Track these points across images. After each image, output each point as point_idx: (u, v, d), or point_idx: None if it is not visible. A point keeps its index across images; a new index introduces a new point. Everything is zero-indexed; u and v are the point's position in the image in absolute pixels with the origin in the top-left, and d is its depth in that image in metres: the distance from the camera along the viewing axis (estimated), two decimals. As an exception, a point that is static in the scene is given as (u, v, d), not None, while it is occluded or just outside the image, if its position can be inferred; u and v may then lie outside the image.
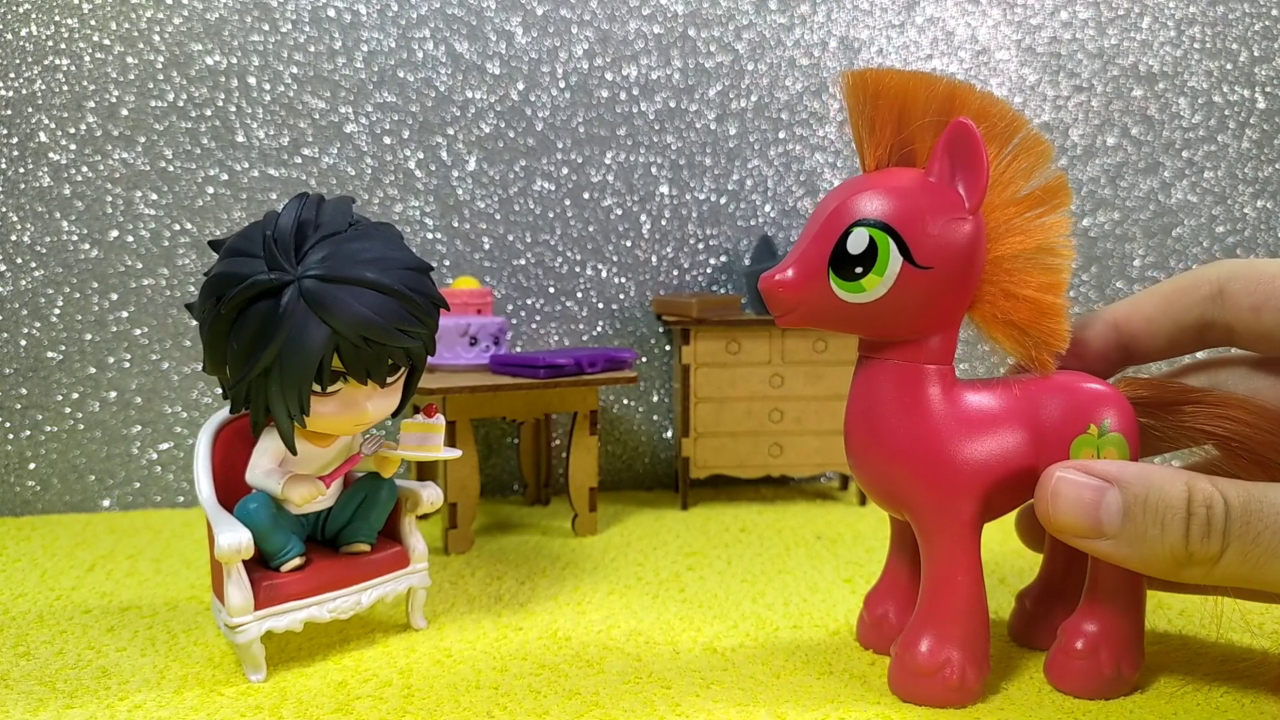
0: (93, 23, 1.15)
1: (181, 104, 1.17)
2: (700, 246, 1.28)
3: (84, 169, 1.16)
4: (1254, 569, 0.53)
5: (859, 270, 0.57)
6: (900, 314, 0.58)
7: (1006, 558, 0.93)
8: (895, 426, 0.60)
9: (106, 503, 1.19)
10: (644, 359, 1.29)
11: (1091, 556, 0.61)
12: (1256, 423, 0.58)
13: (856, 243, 0.57)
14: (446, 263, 1.24)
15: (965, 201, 0.57)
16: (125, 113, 1.17)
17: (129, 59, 1.16)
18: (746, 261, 1.28)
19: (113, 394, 1.18)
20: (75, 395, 1.17)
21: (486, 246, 1.25)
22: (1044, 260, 0.59)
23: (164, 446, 1.20)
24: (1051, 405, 0.60)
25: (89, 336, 1.17)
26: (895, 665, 0.62)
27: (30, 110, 1.15)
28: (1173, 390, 0.62)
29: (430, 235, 1.24)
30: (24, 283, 1.16)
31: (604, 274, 1.27)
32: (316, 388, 0.64)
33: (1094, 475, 0.56)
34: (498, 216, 1.25)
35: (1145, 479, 0.55)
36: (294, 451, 0.67)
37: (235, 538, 0.64)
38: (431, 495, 0.76)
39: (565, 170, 1.25)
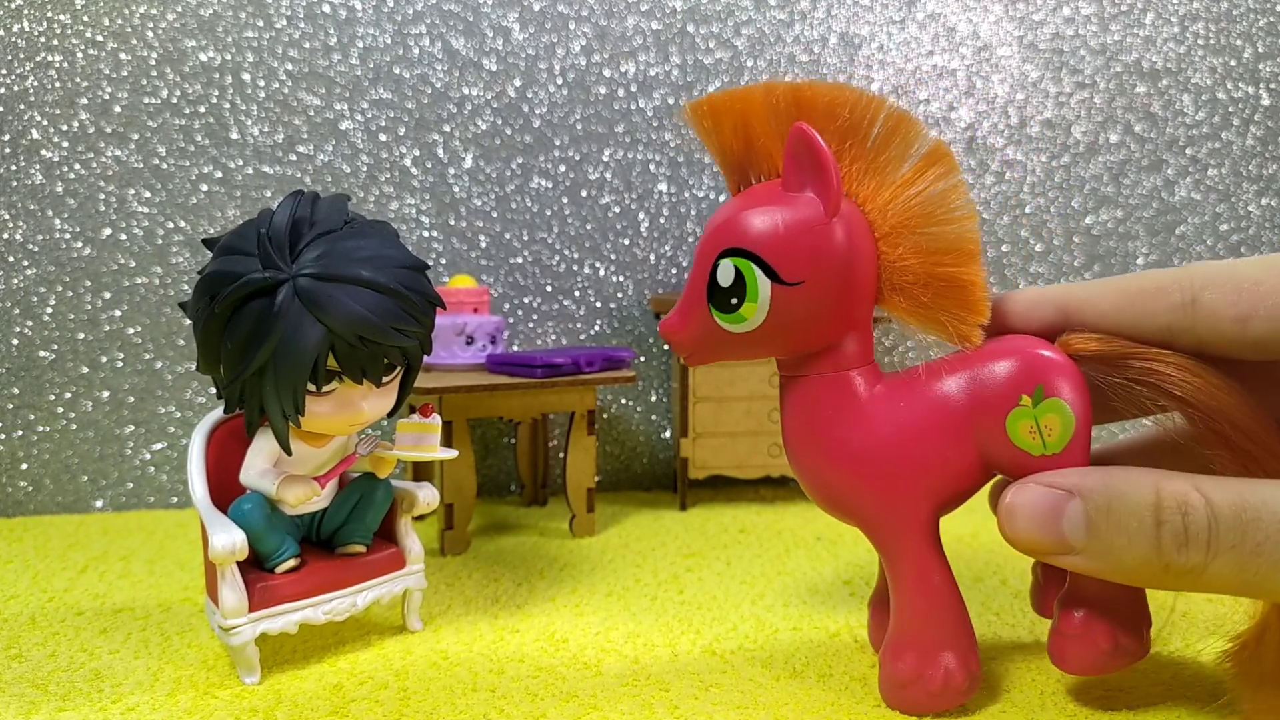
0: (85, 19, 1.15)
1: (175, 101, 1.17)
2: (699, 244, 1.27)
3: (76, 166, 1.16)
4: (1251, 580, 0.49)
5: (734, 301, 0.56)
6: (792, 332, 0.57)
7: (1009, 559, 0.93)
8: (828, 441, 0.59)
9: (99, 503, 1.18)
10: (642, 358, 1.28)
11: None
12: (1214, 392, 0.54)
13: (724, 275, 0.56)
14: (443, 261, 1.23)
15: (822, 207, 0.55)
16: (118, 109, 1.16)
17: (122, 55, 1.16)
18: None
19: (105, 393, 1.18)
20: (68, 395, 1.17)
21: (483, 245, 1.24)
22: (942, 232, 0.57)
23: (157, 446, 1.19)
24: (981, 381, 0.57)
25: (81, 335, 1.17)
26: (880, 677, 0.61)
27: (22, 107, 1.14)
28: (1122, 344, 0.57)
29: (426, 233, 1.23)
30: (16, 281, 1.15)
31: (602, 272, 1.27)
32: (311, 387, 0.64)
33: (1054, 487, 0.53)
34: (494, 214, 1.24)
35: (1108, 486, 0.51)
36: (289, 452, 0.67)
37: (229, 539, 0.64)
38: (427, 496, 0.76)
39: (563, 168, 1.25)
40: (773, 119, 0.58)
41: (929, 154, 0.58)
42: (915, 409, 0.58)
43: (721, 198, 1.27)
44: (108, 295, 1.17)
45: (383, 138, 1.21)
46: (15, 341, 1.16)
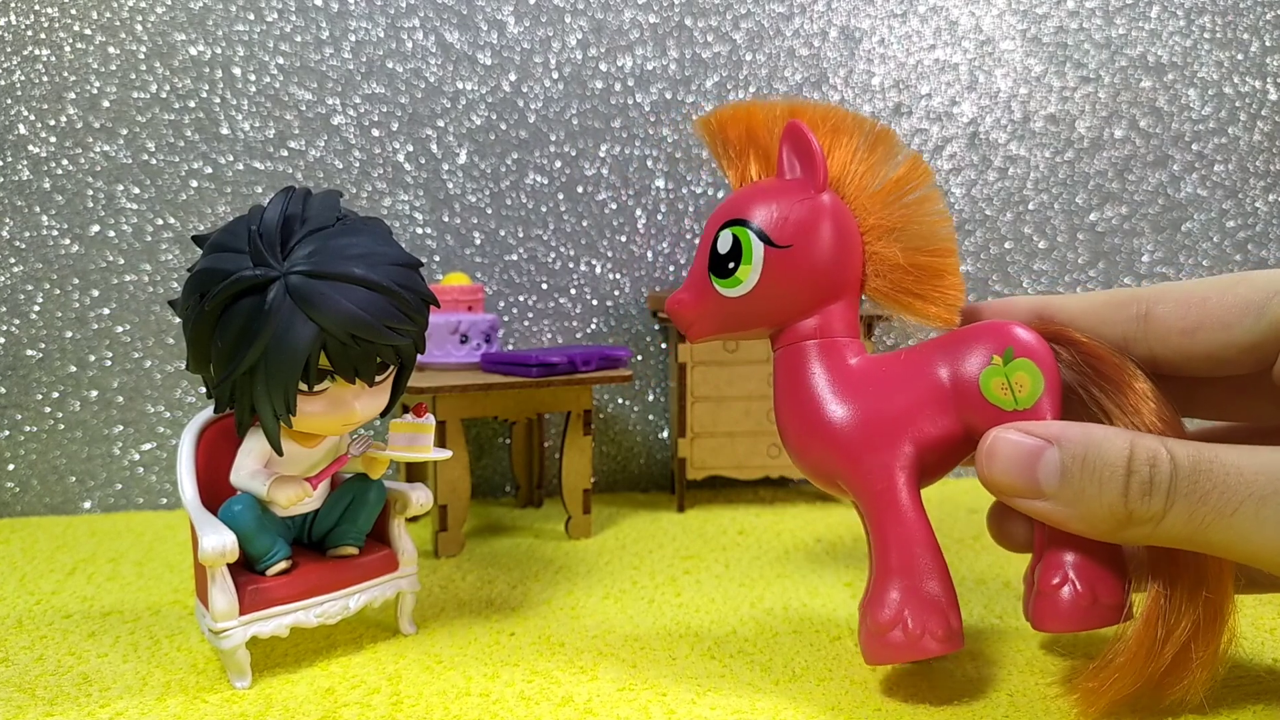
0: (73, 12, 1.14)
1: (164, 95, 1.16)
2: (697, 242, 1.27)
3: (64, 162, 1.15)
4: (1199, 529, 0.52)
5: (731, 266, 0.63)
6: (781, 294, 0.64)
7: (1012, 562, 0.92)
8: (811, 402, 0.64)
9: (87, 505, 1.18)
10: (639, 357, 1.27)
11: None
12: (1160, 416, 0.58)
13: (723, 243, 0.64)
14: (436, 258, 1.23)
15: (809, 184, 0.63)
16: (107, 104, 1.15)
17: (110, 49, 1.15)
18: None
19: (94, 393, 1.17)
20: (55, 394, 1.16)
21: (478, 242, 1.23)
22: (921, 232, 0.64)
23: (146, 447, 1.18)
24: (957, 349, 0.62)
25: (69, 334, 1.16)
26: (860, 632, 0.63)
27: (9, 102, 1.14)
28: (1073, 332, 0.62)
29: (420, 230, 1.22)
30: (3, 279, 1.15)
31: (598, 270, 1.26)
32: (303, 386, 0.63)
33: (1033, 435, 0.56)
34: (489, 211, 1.23)
35: (1086, 437, 0.55)
36: (280, 452, 0.67)
37: (219, 540, 0.64)
38: (421, 497, 0.76)
39: (558, 163, 1.24)
40: (771, 126, 0.66)
41: (910, 163, 0.65)
42: (898, 374, 0.63)
43: (719, 194, 1.27)
44: (96, 293, 1.16)
45: (375, 133, 1.20)
46: (2, 340, 1.15)
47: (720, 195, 1.27)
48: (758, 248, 0.62)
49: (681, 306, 0.66)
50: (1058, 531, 0.60)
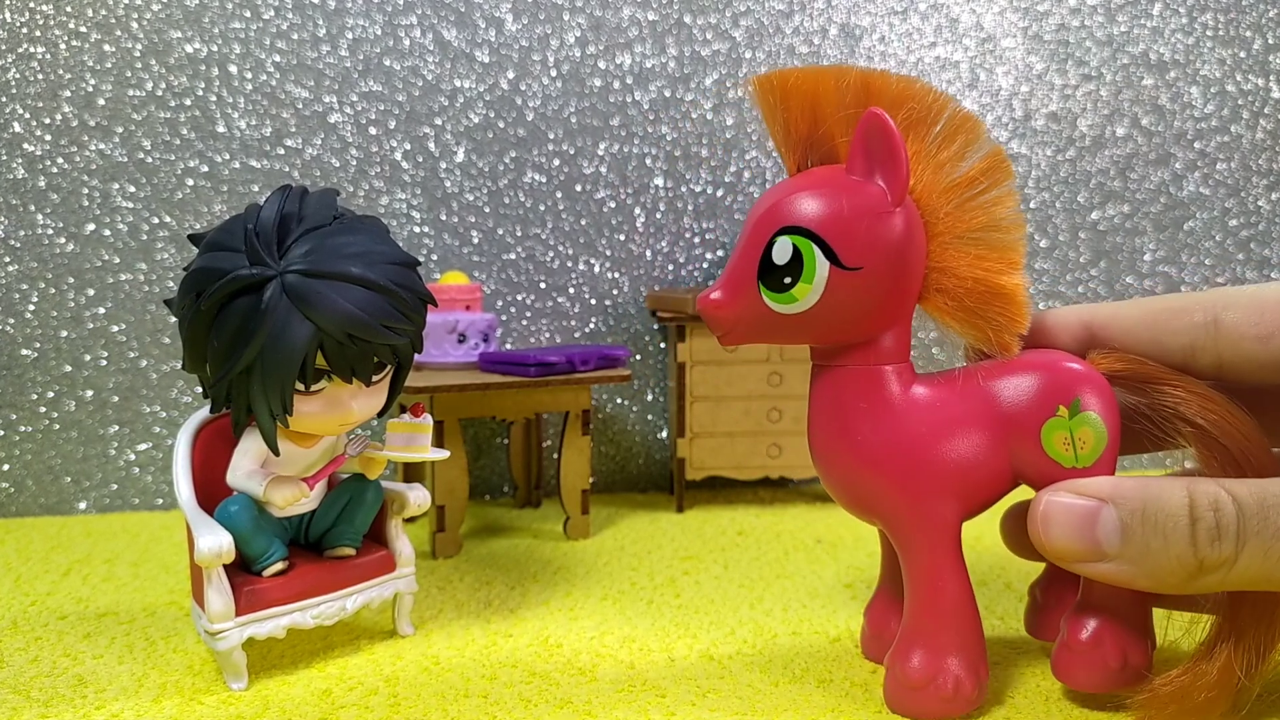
0: (69, 9, 1.14)
1: (160, 93, 1.16)
2: (696, 240, 1.26)
3: (60, 160, 1.14)
4: (1276, 567, 0.51)
5: (788, 280, 0.56)
6: (840, 319, 0.57)
7: (1012, 563, 0.92)
8: (858, 434, 0.59)
9: (83, 505, 1.17)
10: (638, 356, 1.27)
11: None
12: (1232, 420, 0.56)
13: (781, 253, 0.56)
14: (434, 257, 1.22)
15: (888, 195, 0.55)
16: (102, 102, 1.15)
17: (106, 47, 1.14)
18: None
19: (89, 393, 1.16)
20: (50, 394, 1.16)
21: (475, 240, 1.23)
22: (991, 238, 0.57)
23: (142, 447, 1.18)
24: (1019, 389, 0.58)
25: (65, 333, 1.15)
26: (888, 679, 0.61)
27: (4, 100, 1.13)
28: (1151, 367, 0.59)
29: (417, 229, 1.22)
30: (-2, 277, 1.14)
31: (597, 269, 1.25)
32: (300, 386, 0.63)
33: (1086, 495, 0.54)
34: (487, 209, 1.23)
35: (1142, 491, 0.53)
36: (276, 452, 0.66)
37: (216, 541, 0.64)
38: (418, 498, 0.75)
39: (557, 162, 1.23)
40: (840, 104, 0.58)
41: (988, 158, 0.58)
42: (951, 411, 0.59)
43: (719, 192, 1.26)
44: (91, 292, 1.16)
45: (373, 131, 1.20)
46: (-2, 339, 1.15)
47: (721, 195, 1.26)
48: (822, 266, 0.55)
49: (718, 309, 0.58)
50: (1090, 587, 0.59)
